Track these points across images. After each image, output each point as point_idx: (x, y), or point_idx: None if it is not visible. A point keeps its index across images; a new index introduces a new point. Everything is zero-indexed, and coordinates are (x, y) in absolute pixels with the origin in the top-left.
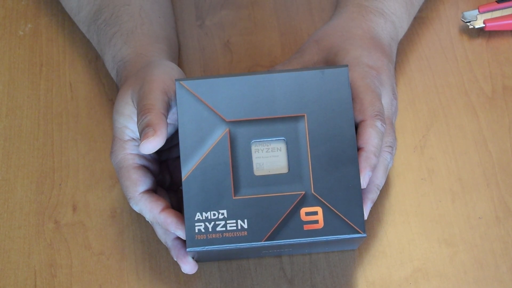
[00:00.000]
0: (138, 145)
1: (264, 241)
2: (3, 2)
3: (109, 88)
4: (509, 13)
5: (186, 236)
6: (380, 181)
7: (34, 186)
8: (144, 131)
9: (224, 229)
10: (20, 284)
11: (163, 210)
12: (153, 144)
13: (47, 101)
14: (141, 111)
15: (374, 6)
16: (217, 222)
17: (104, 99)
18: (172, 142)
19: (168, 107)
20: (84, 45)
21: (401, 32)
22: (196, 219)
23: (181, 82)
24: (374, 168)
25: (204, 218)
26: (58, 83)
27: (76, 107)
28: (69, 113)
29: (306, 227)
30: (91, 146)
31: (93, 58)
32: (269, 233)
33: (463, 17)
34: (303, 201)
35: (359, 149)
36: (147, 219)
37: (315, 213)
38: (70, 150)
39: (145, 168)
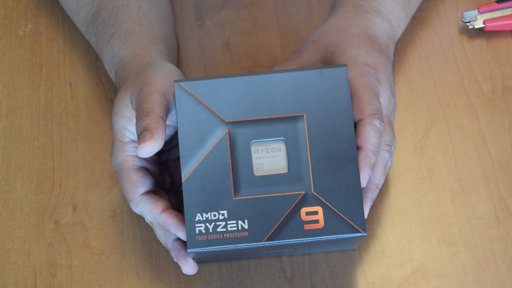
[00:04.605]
0: None
1: (265, 241)
2: (3, 2)
3: (109, 88)
4: (509, 13)
5: (187, 237)
6: (379, 180)
7: (34, 186)
8: (142, 134)
9: (224, 229)
10: (20, 284)
11: (163, 211)
12: (150, 147)
13: (47, 101)
14: (140, 115)
15: (371, 6)
16: (217, 223)
17: (104, 99)
18: (172, 143)
19: (166, 110)
20: (84, 45)
21: (399, 31)
22: (196, 220)
23: (180, 83)
24: (373, 167)
25: (204, 219)
26: (58, 83)
27: (76, 107)
28: (69, 113)
29: (307, 226)
30: (91, 146)
31: (93, 58)
32: (270, 233)
33: (462, 17)
34: (303, 201)
35: (358, 148)
36: (147, 221)
37: (316, 212)
38: (70, 150)
39: (145, 169)
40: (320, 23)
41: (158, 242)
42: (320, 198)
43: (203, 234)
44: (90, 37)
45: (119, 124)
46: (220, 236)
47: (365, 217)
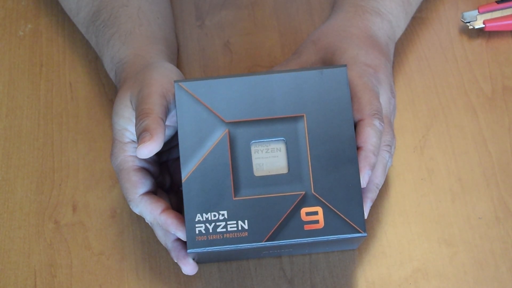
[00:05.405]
0: None
1: (265, 241)
2: (3, 2)
3: (109, 88)
4: (509, 13)
5: (187, 237)
6: (379, 180)
7: (34, 186)
8: (141, 135)
9: (224, 230)
10: (20, 284)
11: (163, 211)
12: (149, 149)
13: (47, 101)
14: (139, 115)
15: (371, 6)
16: (217, 223)
17: (104, 99)
18: (172, 143)
19: (166, 111)
20: (84, 45)
21: (398, 32)
22: (196, 220)
23: (180, 83)
24: (373, 167)
25: (204, 219)
26: (58, 83)
27: (76, 107)
28: (69, 113)
29: (307, 227)
30: (91, 146)
31: (93, 58)
32: (270, 234)
33: (462, 17)
34: (303, 201)
35: (358, 148)
36: (147, 221)
37: (316, 213)
38: (70, 150)
39: (145, 170)
40: (320, 23)
41: (158, 242)
42: (320, 198)
43: (203, 234)
44: (90, 37)
45: (119, 124)
46: (220, 237)
47: (365, 217)
